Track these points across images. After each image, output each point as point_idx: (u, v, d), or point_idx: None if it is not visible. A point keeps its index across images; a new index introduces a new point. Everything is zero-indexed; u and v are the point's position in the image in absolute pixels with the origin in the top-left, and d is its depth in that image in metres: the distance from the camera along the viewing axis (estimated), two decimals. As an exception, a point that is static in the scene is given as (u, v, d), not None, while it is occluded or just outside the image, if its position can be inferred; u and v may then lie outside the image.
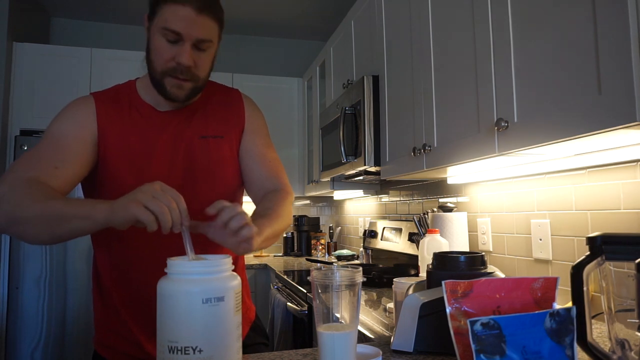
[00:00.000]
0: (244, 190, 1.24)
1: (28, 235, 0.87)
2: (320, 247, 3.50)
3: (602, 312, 0.79)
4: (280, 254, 3.71)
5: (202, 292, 0.69)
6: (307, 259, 3.30)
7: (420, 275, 1.61)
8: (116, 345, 1.11)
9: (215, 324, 0.70)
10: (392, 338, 0.97)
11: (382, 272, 2.16)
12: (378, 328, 1.35)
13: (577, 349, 0.72)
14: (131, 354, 1.09)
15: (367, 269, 2.29)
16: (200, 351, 0.69)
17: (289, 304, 2.14)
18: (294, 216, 3.72)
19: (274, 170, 1.19)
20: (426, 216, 1.93)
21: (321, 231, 3.72)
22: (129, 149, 1.08)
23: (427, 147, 1.54)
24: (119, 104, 1.12)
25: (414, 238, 2.13)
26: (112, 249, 1.10)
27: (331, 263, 2.97)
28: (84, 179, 1.08)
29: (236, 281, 0.75)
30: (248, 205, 1.02)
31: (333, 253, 3.24)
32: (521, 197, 1.59)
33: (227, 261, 0.75)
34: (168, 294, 0.70)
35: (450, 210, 1.76)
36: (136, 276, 1.08)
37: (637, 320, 0.72)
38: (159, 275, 0.74)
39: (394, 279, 1.18)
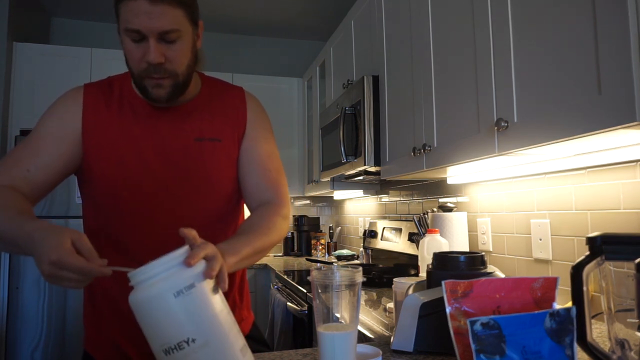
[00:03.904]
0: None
1: None
2: (320, 247, 3.50)
3: (602, 312, 0.79)
4: (280, 254, 3.71)
5: (171, 288, 0.68)
6: (307, 259, 3.30)
7: (420, 275, 1.61)
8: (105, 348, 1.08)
9: (197, 310, 0.70)
10: (392, 338, 0.97)
11: (382, 272, 2.16)
12: (378, 328, 1.35)
13: (577, 349, 0.72)
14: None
15: (367, 269, 2.29)
16: (193, 341, 0.68)
17: (289, 304, 2.14)
18: (293, 216, 3.72)
19: (274, 181, 1.12)
20: (426, 216, 1.93)
21: (321, 231, 3.72)
22: (114, 149, 1.02)
23: (427, 147, 1.54)
24: (110, 96, 1.05)
25: (414, 238, 2.13)
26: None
27: (331, 263, 2.97)
28: (79, 177, 1.05)
29: (201, 265, 0.73)
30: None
31: (333, 253, 3.24)
32: (521, 197, 1.59)
33: (181, 252, 0.73)
34: (141, 304, 0.70)
35: (450, 210, 1.76)
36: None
37: (637, 320, 0.72)
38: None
39: (394, 279, 1.18)
